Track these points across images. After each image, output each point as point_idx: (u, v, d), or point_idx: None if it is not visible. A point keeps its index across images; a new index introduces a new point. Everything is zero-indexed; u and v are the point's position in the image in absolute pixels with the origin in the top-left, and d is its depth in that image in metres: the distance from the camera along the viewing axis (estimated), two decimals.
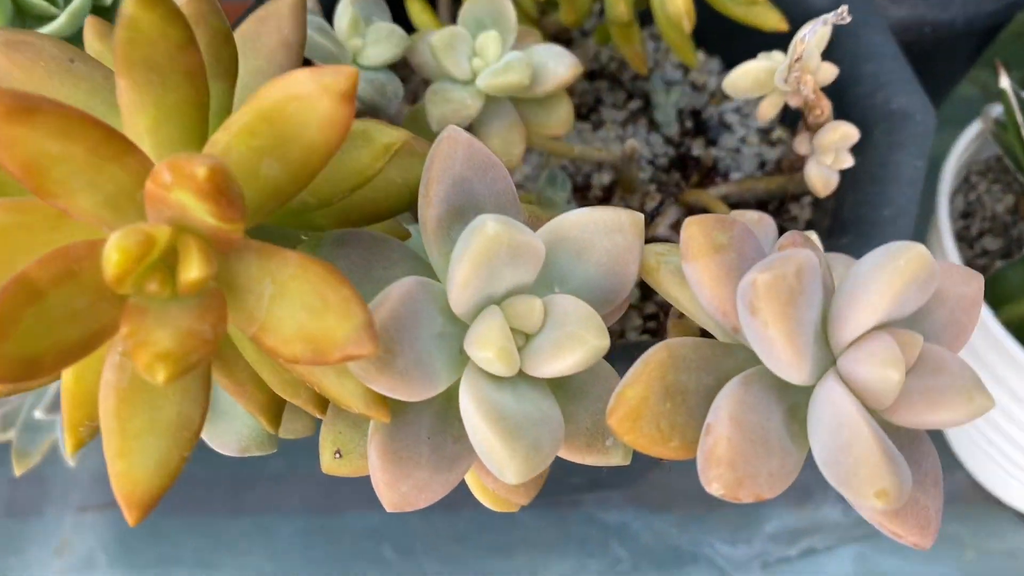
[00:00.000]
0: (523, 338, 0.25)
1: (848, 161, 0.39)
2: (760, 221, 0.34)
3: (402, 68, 0.48)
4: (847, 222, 0.45)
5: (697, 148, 0.55)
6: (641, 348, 0.41)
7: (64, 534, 0.64)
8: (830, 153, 0.38)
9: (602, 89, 0.58)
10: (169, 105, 0.22)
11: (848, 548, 0.62)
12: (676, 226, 0.49)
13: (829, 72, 0.36)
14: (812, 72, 0.35)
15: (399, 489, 0.24)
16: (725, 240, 0.23)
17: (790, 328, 0.20)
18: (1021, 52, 0.82)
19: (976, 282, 0.24)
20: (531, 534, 0.62)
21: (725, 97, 0.57)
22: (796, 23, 0.42)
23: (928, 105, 0.46)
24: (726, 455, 0.21)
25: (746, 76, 0.37)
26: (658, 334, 0.47)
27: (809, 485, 0.62)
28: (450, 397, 0.25)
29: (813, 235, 0.34)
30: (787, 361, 0.21)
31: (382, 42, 0.38)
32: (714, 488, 0.21)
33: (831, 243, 0.44)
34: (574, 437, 0.26)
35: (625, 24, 0.45)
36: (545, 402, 0.24)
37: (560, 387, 0.26)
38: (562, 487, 0.62)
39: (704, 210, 0.49)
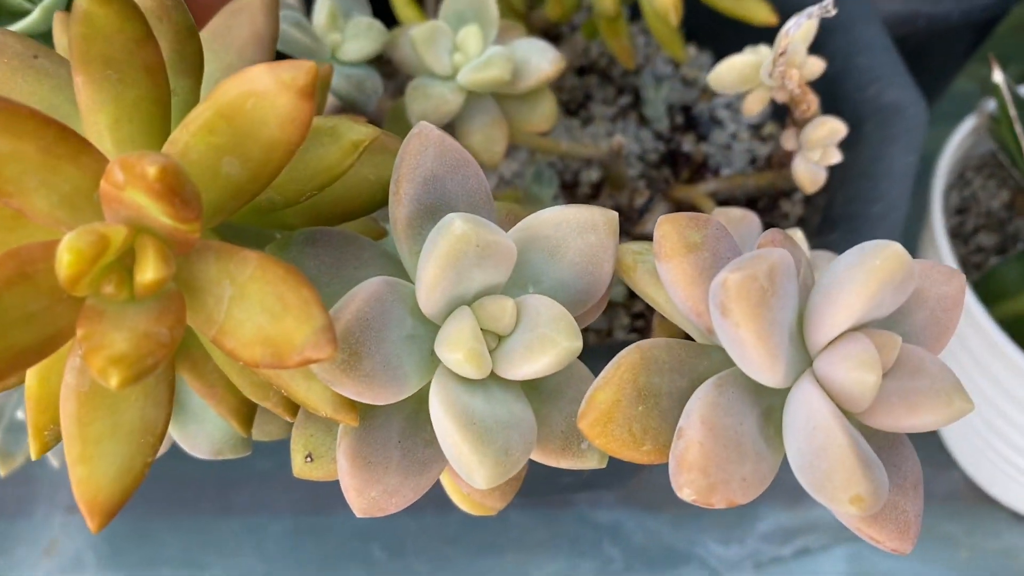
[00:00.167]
0: (495, 339, 0.24)
1: (836, 157, 0.38)
2: (743, 219, 0.34)
3: (388, 63, 0.48)
4: (838, 218, 0.45)
5: (687, 144, 0.54)
6: (627, 346, 0.41)
7: (53, 534, 0.64)
8: (817, 149, 0.37)
9: (592, 85, 0.57)
10: (129, 101, 0.22)
11: (841, 548, 0.61)
12: None
13: (815, 66, 0.36)
14: (797, 66, 0.35)
15: (368, 494, 0.24)
16: (699, 239, 0.23)
17: (762, 329, 0.20)
18: (1019, 46, 0.82)
19: (957, 281, 0.23)
20: (522, 534, 0.62)
21: (716, 92, 0.56)
22: (788, 16, 0.42)
23: (920, 99, 0.45)
24: (698, 460, 0.21)
25: (731, 71, 0.36)
26: (646, 332, 0.46)
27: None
28: (421, 399, 0.24)
29: (798, 233, 0.33)
30: (759, 363, 0.20)
31: (361, 37, 0.37)
32: (685, 494, 0.21)
33: (821, 239, 0.44)
34: (548, 440, 0.25)
35: (612, 18, 0.45)
36: (517, 405, 0.24)
37: (534, 389, 0.25)
38: (553, 486, 0.61)
39: (692, 207, 0.48)
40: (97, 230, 0.19)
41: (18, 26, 0.36)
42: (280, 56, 0.33)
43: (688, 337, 0.30)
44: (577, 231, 0.25)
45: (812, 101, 0.36)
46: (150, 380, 0.23)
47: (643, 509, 0.63)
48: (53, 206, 0.20)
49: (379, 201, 0.27)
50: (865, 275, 0.20)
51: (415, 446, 0.24)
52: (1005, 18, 0.66)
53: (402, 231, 0.25)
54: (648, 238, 0.48)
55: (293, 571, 0.62)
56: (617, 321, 0.47)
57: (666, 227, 0.23)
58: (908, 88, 0.45)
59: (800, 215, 0.50)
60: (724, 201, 0.50)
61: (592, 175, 0.52)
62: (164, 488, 0.64)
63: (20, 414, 0.49)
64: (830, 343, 0.22)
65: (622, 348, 0.39)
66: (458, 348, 0.23)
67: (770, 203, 0.51)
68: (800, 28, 0.33)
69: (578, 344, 0.23)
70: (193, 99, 0.25)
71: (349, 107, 0.38)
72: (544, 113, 0.39)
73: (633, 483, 0.63)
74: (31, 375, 0.24)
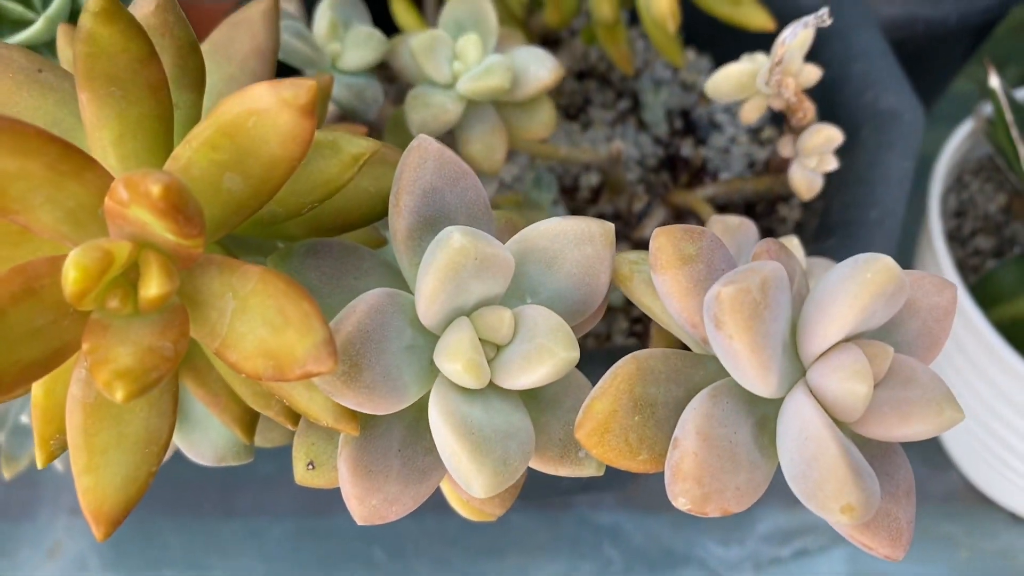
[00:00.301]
0: (494, 349, 0.24)
1: (832, 164, 0.38)
2: (741, 226, 0.34)
3: (388, 68, 0.48)
4: (835, 223, 0.45)
5: (686, 148, 0.55)
6: (626, 352, 0.41)
7: (56, 536, 0.64)
8: (814, 156, 0.38)
9: (591, 89, 0.58)
10: (132, 118, 0.22)
11: (840, 549, 0.61)
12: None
13: (812, 74, 0.36)
14: (794, 75, 0.35)
15: (369, 503, 0.24)
16: (693, 251, 0.23)
17: (755, 341, 0.20)
18: (1017, 47, 0.82)
19: (949, 292, 0.24)
20: (523, 536, 0.62)
21: None
22: (785, 22, 0.42)
23: (917, 105, 0.46)
24: (692, 470, 0.21)
25: (728, 79, 0.37)
26: (644, 337, 0.46)
27: None
28: (421, 408, 0.25)
29: (794, 240, 0.34)
30: (753, 375, 0.21)
31: (361, 46, 0.38)
32: (680, 503, 0.21)
33: (818, 245, 0.44)
34: (546, 448, 0.25)
35: (610, 25, 0.45)
36: (516, 414, 0.24)
37: (532, 397, 0.26)
38: (554, 489, 0.61)
39: (691, 212, 0.48)
40: (102, 246, 0.19)
41: (21, 36, 0.37)
42: (281, 66, 0.33)
43: (684, 345, 0.30)
44: (574, 242, 0.25)
45: (808, 109, 0.36)
46: (154, 391, 0.23)
47: (643, 511, 0.63)
48: (58, 222, 0.20)
49: (379, 212, 0.28)
50: (857, 288, 0.21)
51: (415, 455, 0.25)
52: (1004, 19, 0.66)
53: (402, 242, 0.25)
54: (647, 243, 0.49)
55: (295, 573, 0.62)
56: (616, 326, 0.47)
57: (661, 239, 0.23)
58: (905, 94, 0.46)
59: (798, 219, 0.51)
60: (722, 205, 0.50)
61: (591, 179, 0.53)
62: (167, 490, 0.64)
63: (24, 418, 0.50)
64: (823, 354, 0.22)
65: (621, 353, 0.39)
66: (457, 359, 0.23)
67: (768, 207, 0.51)
68: (796, 37, 0.34)
69: (575, 354, 0.23)
70: (195, 113, 0.26)
71: (350, 115, 0.38)
72: (543, 120, 0.39)
73: (633, 485, 0.63)
74: (37, 386, 0.25)
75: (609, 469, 0.26)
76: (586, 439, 0.22)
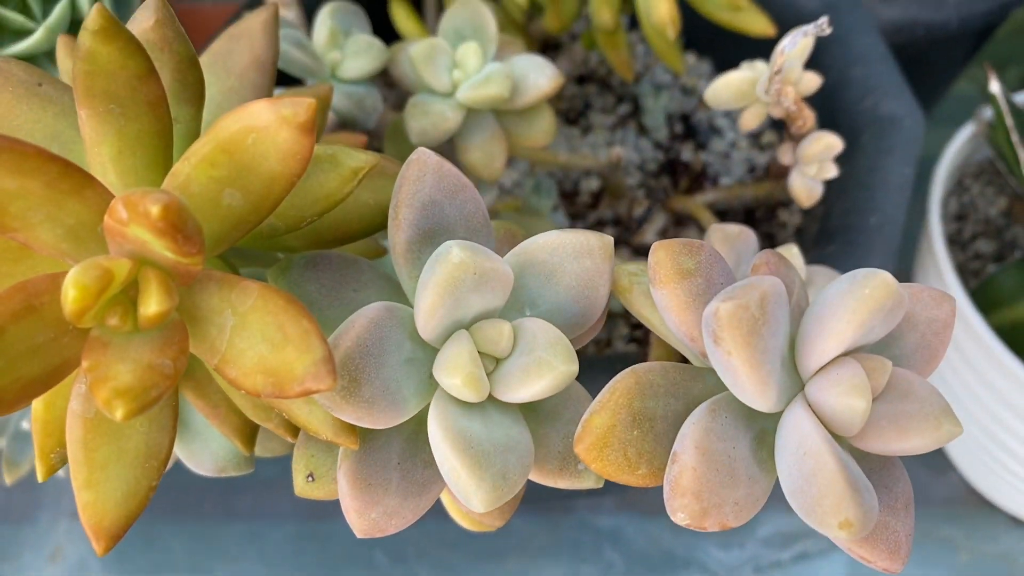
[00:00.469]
0: (493, 363, 0.25)
1: (832, 171, 0.38)
2: (740, 235, 0.34)
3: (387, 75, 0.48)
4: (835, 229, 0.45)
5: (687, 153, 0.55)
6: (626, 359, 0.41)
7: (58, 540, 0.64)
8: (814, 164, 0.38)
9: (591, 93, 0.58)
10: (131, 134, 0.22)
11: (841, 553, 0.61)
12: (663, 233, 0.49)
13: (811, 82, 0.36)
14: (793, 83, 0.35)
15: (369, 516, 0.24)
16: (692, 265, 0.23)
17: (753, 357, 0.20)
18: (1018, 49, 0.82)
19: (948, 305, 0.24)
20: (524, 540, 0.62)
21: None
22: (787, 27, 0.42)
23: (917, 110, 0.46)
24: (691, 485, 0.21)
25: (727, 87, 0.37)
26: (644, 343, 0.46)
27: None
28: (420, 421, 0.25)
29: (793, 249, 0.34)
30: (751, 390, 0.21)
31: (361, 55, 0.38)
32: (679, 518, 0.21)
33: (819, 251, 0.44)
34: (545, 461, 0.25)
35: (610, 31, 0.45)
36: (515, 428, 0.24)
37: (532, 410, 0.26)
38: (554, 493, 0.61)
39: (691, 217, 0.49)
40: (101, 264, 0.20)
41: (21, 46, 0.37)
42: (281, 75, 0.33)
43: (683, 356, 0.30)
44: (573, 255, 0.25)
45: (808, 117, 0.36)
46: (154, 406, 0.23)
47: (643, 514, 0.63)
48: (58, 239, 0.21)
49: (378, 224, 0.28)
50: (855, 303, 0.21)
51: (414, 467, 0.25)
52: (1004, 22, 0.66)
53: (401, 255, 0.25)
54: (647, 249, 0.49)
55: None
56: (616, 331, 0.47)
57: (660, 253, 0.23)
58: (905, 99, 0.46)
59: (798, 225, 0.51)
60: (722, 211, 0.50)
61: (591, 184, 0.53)
62: (168, 494, 0.64)
63: (25, 424, 0.50)
64: (821, 368, 0.22)
65: (621, 360, 0.40)
66: (456, 373, 0.23)
67: (768, 213, 0.51)
68: (796, 46, 0.34)
69: (574, 368, 0.23)
70: (195, 126, 0.26)
71: (349, 124, 0.38)
72: (543, 128, 0.39)
73: (633, 489, 0.63)
74: (37, 400, 0.25)
75: None
76: (585, 454, 0.23)
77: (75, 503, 0.65)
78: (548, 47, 0.58)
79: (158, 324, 0.20)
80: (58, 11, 0.37)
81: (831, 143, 0.37)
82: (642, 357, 0.45)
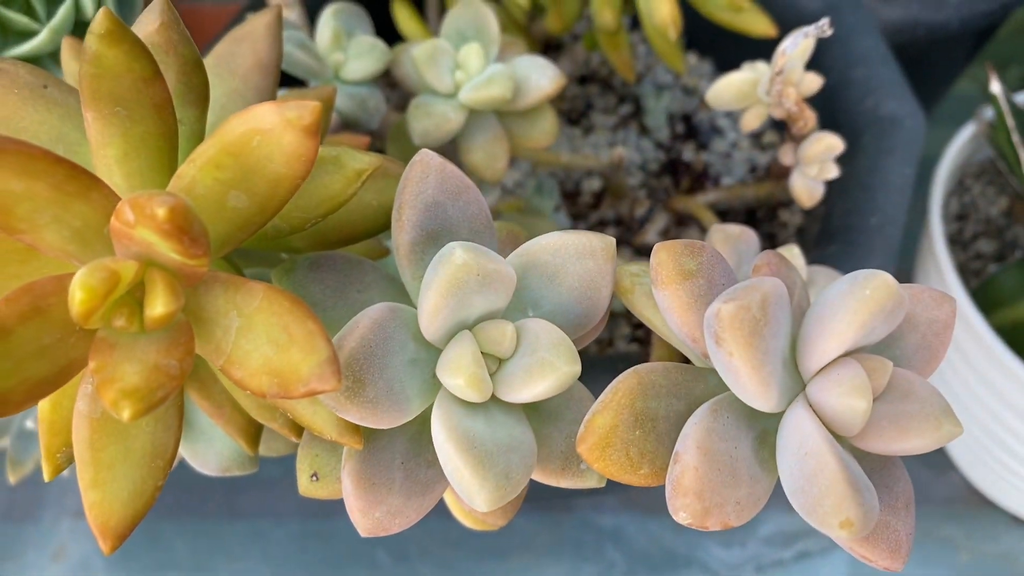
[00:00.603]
0: (496, 363, 0.25)
1: (833, 172, 0.38)
2: (742, 235, 0.34)
3: (389, 76, 0.48)
4: (836, 230, 0.45)
5: (688, 153, 0.55)
6: (628, 359, 0.41)
7: (61, 539, 0.64)
8: (815, 164, 0.38)
9: (593, 94, 0.58)
10: (136, 136, 0.22)
11: (842, 552, 0.62)
12: (665, 233, 0.49)
13: (813, 83, 0.36)
14: (794, 84, 0.35)
15: (373, 515, 0.24)
16: (694, 266, 0.23)
17: (755, 358, 0.20)
18: (1019, 49, 0.82)
19: (948, 306, 0.24)
20: (526, 538, 0.63)
21: None
22: (788, 28, 0.42)
23: (918, 111, 0.46)
24: (693, 485, 0.21)
25: (729, 88, 0.37)
26: (646, 342, 0.47)
27: None
28: (424, 421, 0.25)
29: (795, 250, 0.34)
30: (753, 390, 0.21)
31: (364, 56, 0.38)
32: (681, 517, 0.21)
33: (820, 251, 0.44)
34: (548, 460, 0.26)
35: (612, 32, 0.45)
36: (518, 428, 0.24)
37: (535, 410, 0.26)
38: (556, 492, 0.62)
39: (692, 217, 0.49)
40: (108, 266, 0.20)
41: (25, 47, 0.37)
42: (284, 76, 0.33)
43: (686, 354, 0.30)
44: (575, 256, 0.25)
45: (809, 118, 0.37)
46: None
47: (645, 513, 0.63)
48: (64, 241, 0.21)
49: (382, 225, 0.28)
50: (856, 304, 0.21)
51: (417, 467, 0.25)
52: (1005, 22, 0.66)
53: (405, 256, 0.25)
54: (648, 249, 0.49)
55: (299, 575, 0.63)
56: (618, 331, 0.47)
57: (662, 255, 0.23)
58: (906, 100, 0.46)
59: (799, 225, 0.51)
60: (723, 211, 0.50)
61: (593, 185, 0.53)
62: (172, 493, 0.65)
63: (30, 423, 0.50)
64: (822, 369, 0.22)
65: (623, 360, 0.40)
66: (459, 373, 0.23)
67: (769, 212, 0.51)
68: (797, 47, 0.34)
69: (577, 368, 0.23)
70: (199, 128, 0.26)
71: (352, 125, 0.38)
72: (545, 129, 0.39)
73: (635, 488, 0.64)
74: (44, 400, 0.25)
75: None
76: (588, 453, 0.23)
77: (78, 502, 0.65)
78: (549, 47, 0.58)
79: (164, 325, 0.20)
80: (62, 13, 0.37)
81: (832, 144, 0.37)
82: (644, 357, 0.45)
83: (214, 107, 0.29)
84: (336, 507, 0.65)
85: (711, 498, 0.21)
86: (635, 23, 0.59)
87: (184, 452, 0.31)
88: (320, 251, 0.27)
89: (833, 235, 0.44)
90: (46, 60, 0.38)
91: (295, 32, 0.37)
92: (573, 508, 0.64)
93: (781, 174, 0.46)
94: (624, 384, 0.23)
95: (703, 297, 0.23)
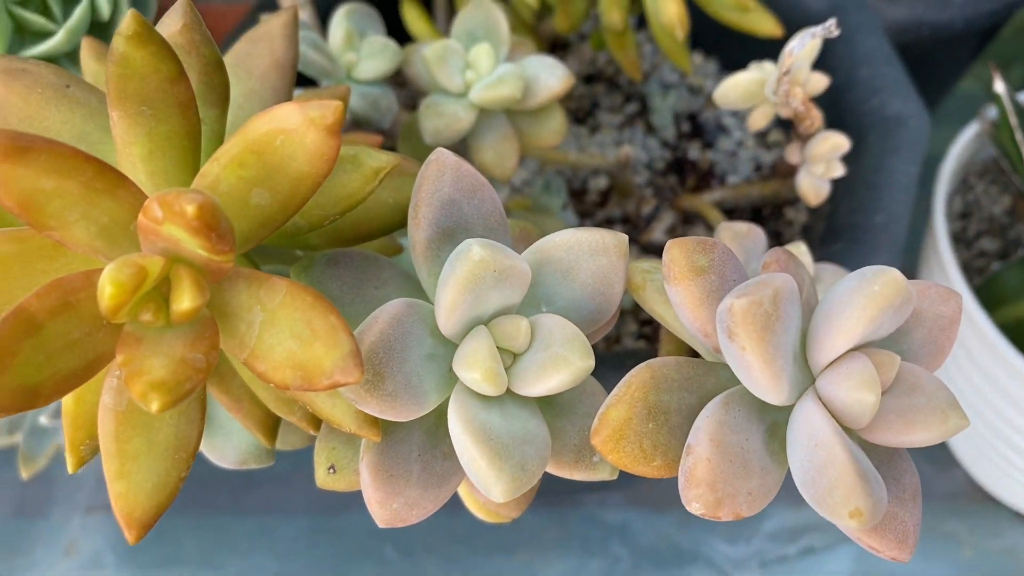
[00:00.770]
0: (511, 357, 0.25)
1: (839, 170, 0.39)
2: (749, 233, 0.35)
3: (398, 75, 0.49)
4: (841, 228, 0.45)
5: (694, 151, 0.55)
6: (636, 356, 0.42)
7: (72, 535, 0.65)
8: (821, 163, 0.38)
9: (599, 93, 0.58)
10: (161, 135, 0.23)
11: (846, 547, 0.62)
12: (671, 231, 0.50)
13: (819, 83, 0.37)
14: (801, 84, 0.36)
15: (390, 506, 0.25)
16: (706, 263, 0.24)
17: (766, 352, 0.21)
18: (1022, 49, 0.82)
19: (954, 301, 0.24)
20: (532, 534, 0.63)
21: None
22: (794, 28, 0.43)
23: (922, 110, 0.46)
24: (705, 476, 0.22)
25: (736, 88, 0.37)
26: (654, 339, 0.47)
27: None
28: (440, 414, 0.25)
29: (801, 247, 0.34)
30: (764, 384, 0.21)
31: (376, 56, 0.38)
32: (694, 508, 0.22)
33: (825, 249, 0.45)
34: (562, 453, 0.26)
35: (619, 32, 0.46)
36: (532, 421, 0.25)
37: (548, 404, 0.26)
38: (563, 487, 0.62)
39: (698, 215, 0.49)
40: (136, 262, 0.20)
41: (42, 47, 0.37)
42: (299, 77, 0.34)
43: (694, 350, 0.31)
44: (589, 253, 0.26)
45: (816, 117, 0.37)
46: None
47: (651, 509, 0.64)
48: (92, 237, 0.21)
49: (397, 222, 0.28)
50: (865, 300, 0.21)
51: (434, 459, 0.26)
52: (1009, 21, 0.67)
53: (421, 253, 0.26)
54: (655, 247, 0.49)
55: (307, 571, 0.63)
56: (625, 328, 0.48)
57: (675, 251, 0.24)
58: (911, 99, 0.46)
59: (804, 222, 0.51)
60: (729, 209, 0.51)
61: (600, 183, 0.53)
62: (181, 489, 0.65)
63: (43, 419, 0.50)
64: (831, 363, 0.23)
65: (630, 356, 0.40)
66: (476, 367, 0.24)
67: (774, 211, 0.52)
68: (804, 47, 0.34)
69: (591, 363, 0.24)
70: (220, 128, 0.26)
71: (364, 124, 0.39)
72: (554, 128, 0.40)
73: (641, 484, 0.64)
74: (67, 395, 0.25)
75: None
76: (602, 445, 0.23)
77: (89, 498, 0.66)
78: (556, 47, 0.59)
79: (190, 320, 0.21)
80: (78, 13, 0.37)
81: (838, 142, 0.38)
82: (651, 354, 0.45)
83: (232, 107, 0.29)
84: (344, 503, 0.65)
85: (723, 489, 0.22)
86: (641, 22, 0.60)
87: (202, 446, 0.31)
88: (337, 248, 0.28)
89: (839, 233, 0.45)
90: (62, 60, 0.39)
91: (308, 32, 0.37)
92: (579, 504, 0.64)
93: (787, 172, 0.47)
94: (637, 378, 0.24)
95: (715, 293, 0.23)
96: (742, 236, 0.35)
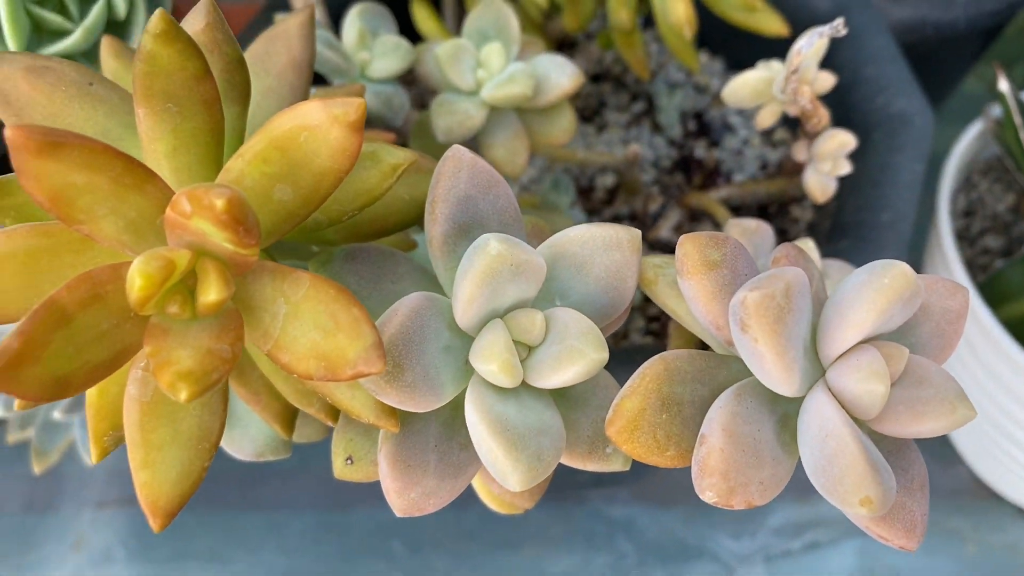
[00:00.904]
0: (526, 350, 0.26)
1: (846, 168, 0.39)
2: (758, 229, 0.35)
3: (407, 74, 0.49)
4: (847, 225, 0.46)
5: (700, 150, 0.56)
6: (644, 351, 0.42)
7: (81, 530, 0.65)
8: (828, 160, 0.39)
9: (606, 92, 0.59)
10: (186, 132, 0.23)
11: (851, 542, 0.63)
12: (678, 229, 0.50)
13: (826, 81, 0.37)
14: (809, 83, 0.36)
15: (408, 496, 0.25)
16: (718, 257, 0.24)
17: (779, 344, 0.21)
18: None
19: (961, 295, 0.25)
20: (538, 529, 0.64)
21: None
22: (800, 27, 0.43)
23: (927, 109, 0.47)
24: (719, 465, 0.22)
25: (744, 86, 0.38)
26: (661, 335, 0.48)
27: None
28: (456, 406, 0.26)
29: (810, 243, 0.35)
30: (776, 375, 0.22)
31: (389, 55, 0.39)
32: (707, 496, 0.22)
33: (832, 246, 0.45)
34: (575, 445, 0.27)
35: (628, 32, 0.46)
36: (547, 412, 0.25)
37: (562, 396, 0.27)
38: (569, 483, 0.63)
39: (705, 213, 0.50)
40: (164, 255, 0.21)
41: (60, 46, 0.38)
42: (314, 76, 0.34)
43: (704, 345, 0.31)
44: (603, 248, 0.26)
45: (823, 115, 0.37)
46: None
47: (656, 505, 0.64)
48: (119, 231, 0.22)
49: (413, 218, 0.29)
50: (875, 293, 0.22)
51: (451, 450, 0.26)
52: (1012, 21, 0.67)
53: (438, 248, 0.26)
54: (662, 244, 0.50)
55: (315, 566, 0.64)
56: (633, 324, 0.48)
57: (688, 246, 0.24)
58: (915, 98, 0.47)
59: (810, 220, 0.52)
60: (736, 207, 0.51)
61: (607, 181, 0.54)
62: None
63: (56, 414, 0.51)
64: (842, 355, 0.23)
65: (638, 352, 0.40)
66: (492, 359, 0.24)
67: (780, 208, 0.52)
68: (812, 47, 0.35)
69: (605, 355, 0.24)
70: (240, 125, 0.27)
71: (377, 122, 0.39)
72: (563, 126, 0.40)
73: (646, 480, 0.65)
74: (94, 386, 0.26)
75: None
76: (617, 436, 0.24)
77: (98, 494, 0.66)
78: (563, 46, 0.59)
79: (216, 312, 0.21)
80: (95, 12, 0.38)
81: (845, 140, 0.38)
82: (659, 349, 0.46)
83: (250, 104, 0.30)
84: (351, 499, 0.66)
85: (736, 478, 0.22)
86: (647, 22, 0.60)
87: None
88: (354, 243, 0.28)
89: (845, 230, 0.45)
90: (79, 59, 0.39)
91: (322, 31, 0.38)
92: (585, 500, 0.65)
93: (793, 170, 0.47)
94: (651, 370, 0.24)
95: (727, 286, 0.24)
96: (751, 232, 0.35)
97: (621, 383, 0.27)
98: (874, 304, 0.22)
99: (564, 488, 0.64)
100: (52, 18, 0.38)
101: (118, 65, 0.32)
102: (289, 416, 0.29)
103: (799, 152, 0.40)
